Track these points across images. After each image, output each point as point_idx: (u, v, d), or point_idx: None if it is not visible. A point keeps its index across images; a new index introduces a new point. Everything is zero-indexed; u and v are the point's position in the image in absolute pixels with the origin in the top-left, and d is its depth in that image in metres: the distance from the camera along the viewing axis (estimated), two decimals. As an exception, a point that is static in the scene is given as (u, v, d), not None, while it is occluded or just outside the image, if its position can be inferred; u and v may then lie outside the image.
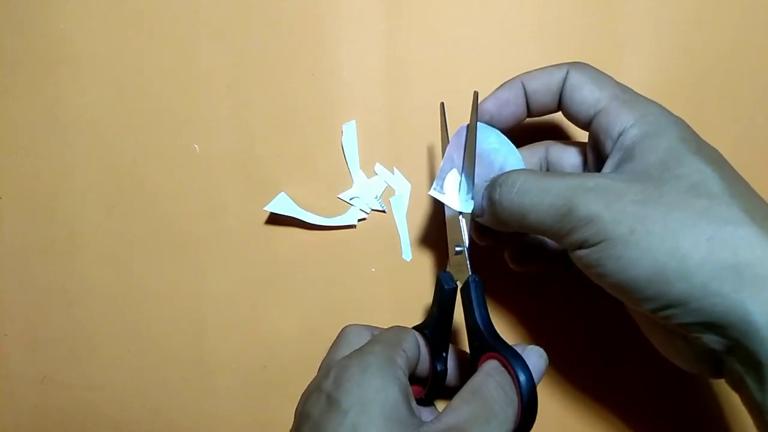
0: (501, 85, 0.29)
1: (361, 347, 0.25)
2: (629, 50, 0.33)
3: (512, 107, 0.28)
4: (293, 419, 0.25)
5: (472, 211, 0.28)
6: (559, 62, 0.27)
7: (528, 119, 0.30)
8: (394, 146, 0.35)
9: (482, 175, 0.29)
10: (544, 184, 0.24)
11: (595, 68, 0.27)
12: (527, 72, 0.28)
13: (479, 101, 0.29)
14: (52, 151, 0.37)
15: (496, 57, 0.34)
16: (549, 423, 0.35)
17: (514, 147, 0.29)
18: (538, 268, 0.31)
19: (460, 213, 0.28)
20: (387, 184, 0.35)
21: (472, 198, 0.28)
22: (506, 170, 0.28)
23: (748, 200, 0.22)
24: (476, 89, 0.29)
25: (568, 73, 0.27)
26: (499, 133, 0.29)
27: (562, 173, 0.26)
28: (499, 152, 0.29)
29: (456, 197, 0.29)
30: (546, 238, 0.29)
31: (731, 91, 0.33)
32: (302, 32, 0.35)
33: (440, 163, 0.30)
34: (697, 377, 0.34)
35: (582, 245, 0.23)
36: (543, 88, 0.27)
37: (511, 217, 0.25)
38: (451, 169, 0.29)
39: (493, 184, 0.26)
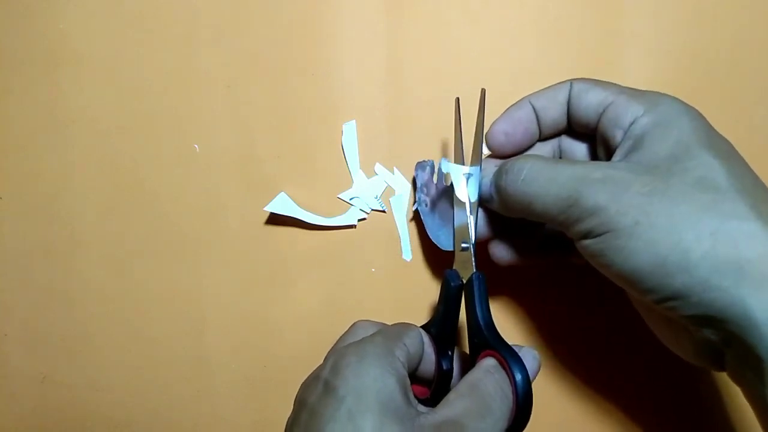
0: (510, 107, 0.29)
1: (362, 338, 0.25)
2: (629, 50, 0.33)
3: (525, 124, 0.28)
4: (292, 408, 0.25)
5: (481, 196, 0.29)
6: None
7: None
8: (394, 146, 0.35)
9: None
10: (550, 173, 0.24)
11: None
12: (533, 93, 0.29)
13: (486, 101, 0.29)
14: (52, 151, 0.37)
15: (496, 57, 0.34)
16: (551, 420, 0.35)
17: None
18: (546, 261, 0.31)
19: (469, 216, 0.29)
20: (387, 184, 0.35)
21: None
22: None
23: (755, 195, 0.22)
24: (484, 87, 0.29)
25: (571, 84, 0.27)
26: None
27: (570, 161, 0.26)
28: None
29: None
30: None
31: (731, 91, 0.33)
32: (302, 32, 0.35)
33: (439, 163, 0.30)
34: (699, 370, 0.34)
35: (587, 235, 0.23)
36: (551, 102, 0.28)
37: (518, 204, 0.26)
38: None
39: (500, 171, 0.26)
